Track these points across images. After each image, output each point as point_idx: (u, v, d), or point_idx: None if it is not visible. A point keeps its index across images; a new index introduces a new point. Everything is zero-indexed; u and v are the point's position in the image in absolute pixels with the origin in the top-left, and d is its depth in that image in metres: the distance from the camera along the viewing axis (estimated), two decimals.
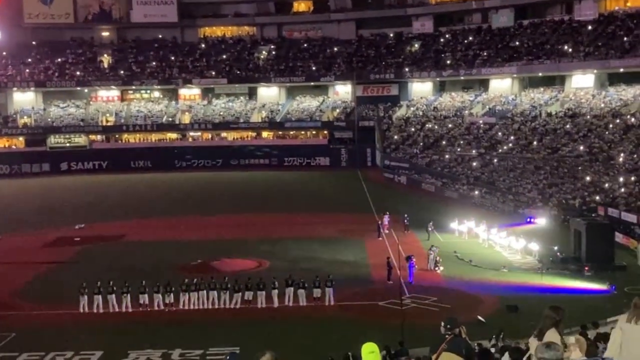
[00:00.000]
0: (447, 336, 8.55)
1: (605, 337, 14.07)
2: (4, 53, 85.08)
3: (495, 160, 61.38)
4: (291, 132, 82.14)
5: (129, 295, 29.20)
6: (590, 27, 70.69)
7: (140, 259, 37.50)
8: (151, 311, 29.05)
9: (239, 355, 7.95)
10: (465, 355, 8.51)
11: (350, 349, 20.18)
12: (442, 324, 8.80)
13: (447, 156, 66.21)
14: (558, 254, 35.61)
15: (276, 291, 29.52)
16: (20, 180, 71.99)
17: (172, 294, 29.49)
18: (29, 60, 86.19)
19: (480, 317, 26.55)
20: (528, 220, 45.80)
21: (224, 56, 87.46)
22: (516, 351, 9.81)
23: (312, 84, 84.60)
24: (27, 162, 77.86)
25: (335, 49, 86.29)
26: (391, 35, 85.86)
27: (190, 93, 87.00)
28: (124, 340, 25.69)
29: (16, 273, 35.53)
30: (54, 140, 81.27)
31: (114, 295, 29.22)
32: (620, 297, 29.17)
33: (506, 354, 9.78)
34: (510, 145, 63.55)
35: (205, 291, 29.56)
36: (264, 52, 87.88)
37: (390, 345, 20.89)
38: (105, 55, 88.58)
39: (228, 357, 7.64)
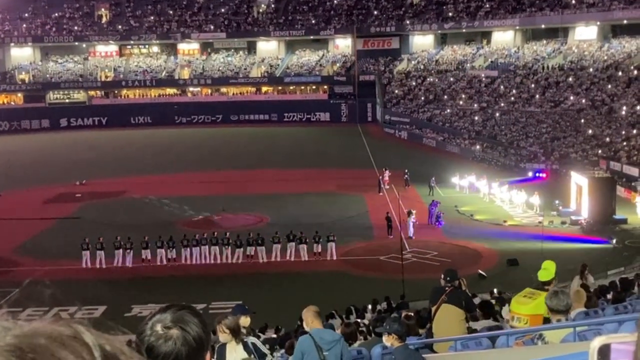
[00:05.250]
0: (447, 288, 8.57)
1: (604, 290, 14.12)
2: (0, 8, 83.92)
3: (497, 114, 61.06)
4: (291, 87, 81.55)
5: (131, 250, 29.38)
6: None
7: (142, 215, 37.57)
8: (154, 266, 29.25)
9: (244, 306, 8.02)
10: (465, 307, 8.54)
11: (352, 303, 20.36)
12: (442, 276, 8.81)
13: (448, 110, 65.83)
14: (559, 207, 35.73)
15: (278, 246, 29.67)
16: (19, 137, 71.79)
17: (174, 249, 29.67)
18: (26, 15, 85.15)
19: (481, 271, 26.72)
20: (537, 175, 45.28)
21: (223, 10, 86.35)
22: None
23: (311, 37, 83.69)
24: (27, 119, 77.52)
25: (335, 1, 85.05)
26: None
27: (189, 48, 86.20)
28: (127, 295, 25.92)
29: (18, 229, 35.64)
30: (53, 96, 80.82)
31: (117, 251, 29.40)
32: (621, 250, 29.33)
33: (506, 305, 9.81)
34: (513, 98, 63.13)
35: (207, 246, 29.75)
36: (262, 5, 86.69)
37: (391, 299, 21.08)
38: (103, 10, 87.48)
39: (234, 308, 7.72)
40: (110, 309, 24.49)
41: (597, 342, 1.24)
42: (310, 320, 7.04)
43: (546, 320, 6.71)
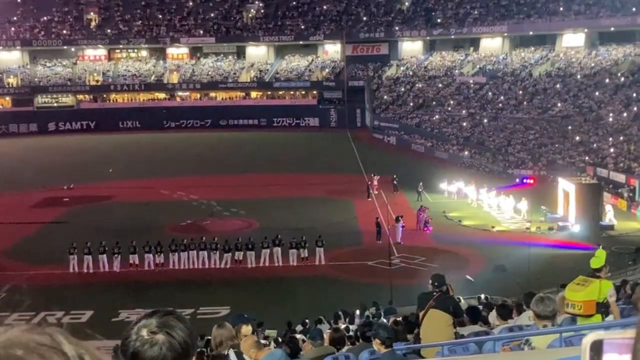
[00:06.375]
0: (434, 294, 8.60)
1: None
2: None
3: (485, 121, 61.33)
4: (280, 92, 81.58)
5: (119, 255, 29.26)
6: None
7: (130, 219, 37.41)
8: (141, 271, 29.14)
9: (244, 315, 8.05)
10: (452, 312, 8.57)
11: (340, 308, 20.36)
12: (430, 281, 8.85)
13: (436, 116, 66.05)
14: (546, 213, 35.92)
15: (267, 251, 29.63)
16: (7, 141, 71.28)
17: (162, 254, 29.57)
18: (15, 18, 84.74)
19: (468, 277, 26.80)
20: (523, 181, 45.36)
21: (212, 14, 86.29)
22: (503, 308, 9.89)
23: (301, 43, 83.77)
24: (15, 122, 77.08)
25: (325, 7, 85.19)
26: None
27: (178, 52, 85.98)
28: (115, 300, 25.82)
29: (5, 233, 35.38)
30: (41, 100, 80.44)
31: (104, 255, 29.28)
32: (608, 257, 29.43)
33: (494, 311, 9.86)
34: (501, 105, 63.43)
35: (195, 251, 29.68)
36: (252, 10, 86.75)
37: (379, 304, 21.11)
38: (92, 14, 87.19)
39: (234, 318, 7.74)
40: (98, 313, 24.39)
41: (589, 338, 1.27)
42: (253, 351, 6.79)
43: (599, 306, 6.83)
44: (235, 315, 8.16)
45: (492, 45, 75.37)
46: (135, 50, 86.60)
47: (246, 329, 7.56)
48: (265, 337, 15.49)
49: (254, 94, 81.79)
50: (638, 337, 1.16)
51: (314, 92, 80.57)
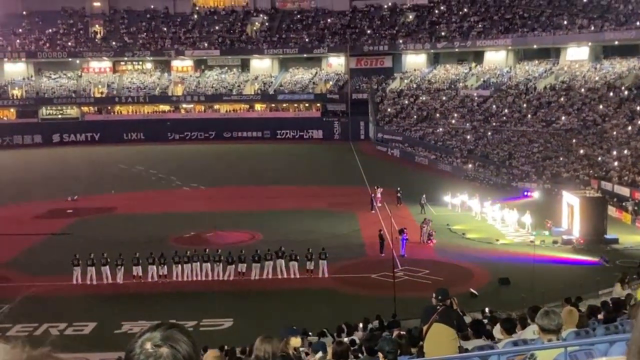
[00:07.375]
0: (438, 307, 8.56)
1: (595, 310, 14.10)
2: None
3: (489, 133, 61.31)
4: (284, 105, 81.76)
5: (122, 267, 29.22)
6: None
7: (133, 231, 37.41)
8: (145, 283, 29.09)
9: (293, 327, 8.17)
10: (456, 326, 8.53)
11: (343, 321, 20.29)
12: (434, 295, 8.81)
13: (440, 129, 66.07)
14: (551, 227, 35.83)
15: (270, 263, 29.57)
16: (11, 152, 71.56)
17: (165, 266, 29.53)
18: (20, 30, 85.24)
19: (472, 290, 26.70)
20: (524, 194, 45.56)
21: (217, 27, 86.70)
22: (507, 322, 9.83)
23: (305, 55, 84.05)
24: (19, 134, 77.37)
25: (329, 20, 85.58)
26: (385, 6, 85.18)
27: (182, 65, 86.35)
28: (118, 312, 25.76)
29: (8, 245, 35.41)
30: (45, 111, 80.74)
31: (107, 267, 29.25)
32: (612, 270, 29.35)
33: (498, 325, 9.80)
34: (505, 118, 63.43)
35: (198, 263, 29.62)
36: (256, 23, 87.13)
37: (382, 317, 21.02)
38: (97, 26, 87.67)
39: (281, 331, 7.92)
40: (100, 325, 24.34)
41: None
42: None
43: None
44: (284, 328, 8.32)
45: (496, 58, 75.47)
46: (140, 63, 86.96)
47: (295, 340, 7.86)
48: (310, 344, 15.57)
49: (258, 107, 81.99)
50: (628, 356, 1.16)
51: (318, 104, 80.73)
